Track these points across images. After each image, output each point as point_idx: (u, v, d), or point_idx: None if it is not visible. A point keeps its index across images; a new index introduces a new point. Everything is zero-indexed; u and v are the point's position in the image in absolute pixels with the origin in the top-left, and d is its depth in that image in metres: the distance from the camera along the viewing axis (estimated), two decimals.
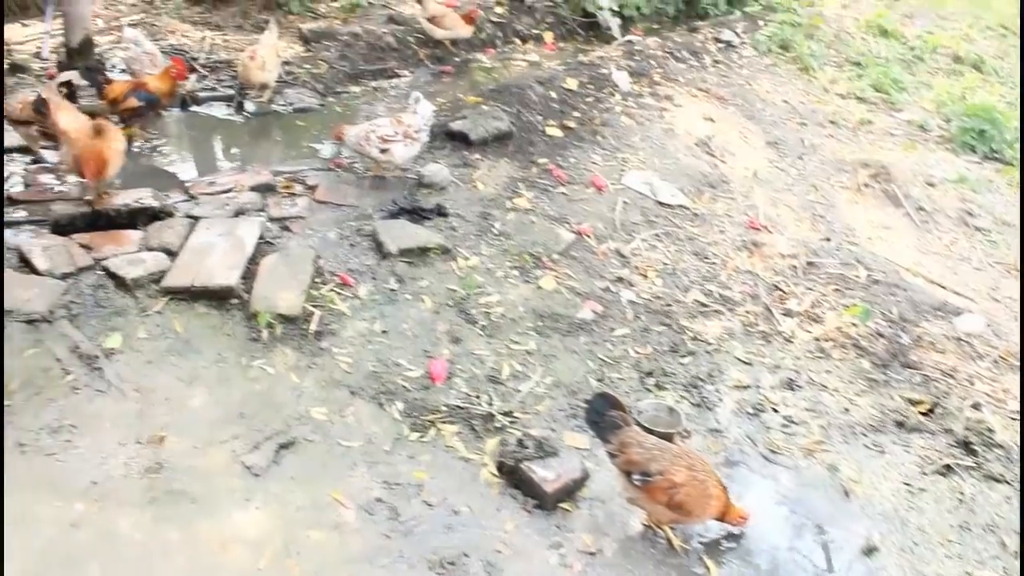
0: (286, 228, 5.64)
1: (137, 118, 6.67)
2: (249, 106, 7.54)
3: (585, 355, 5.26)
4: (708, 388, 5.25)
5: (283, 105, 7.64)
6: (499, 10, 10.28)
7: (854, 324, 6.00)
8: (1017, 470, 4.87)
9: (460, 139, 6.90)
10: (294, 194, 6.06)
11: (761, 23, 11.31)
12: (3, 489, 3.56)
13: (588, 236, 6.32)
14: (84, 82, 6.77)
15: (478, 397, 4.73)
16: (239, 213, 5.66)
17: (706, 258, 6.56)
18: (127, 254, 5.09)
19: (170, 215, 5.61)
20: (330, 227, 5.70)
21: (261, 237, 5.39)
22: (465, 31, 9.20)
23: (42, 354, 4.51)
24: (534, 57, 9.75)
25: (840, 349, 5.81)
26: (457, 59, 9.30)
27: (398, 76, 8.64)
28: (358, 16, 9.54)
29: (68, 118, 5.66)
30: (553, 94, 8.01)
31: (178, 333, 4.73)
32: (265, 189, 6.06)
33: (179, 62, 6.86)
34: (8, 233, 5.37)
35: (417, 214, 5.92)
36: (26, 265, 5.01)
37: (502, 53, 9.78)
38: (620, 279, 6.03)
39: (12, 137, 6.39)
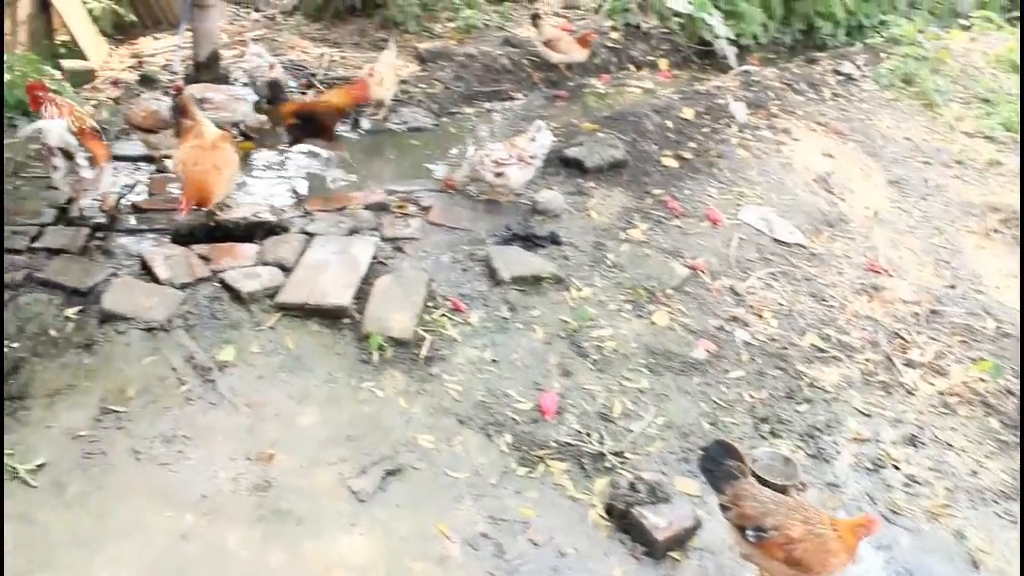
0: (399, 249, 5.62)
1: (299, 135, 6.74)
2: (365, 123, 7.60)
3: (698, 396, 5.08)
4: (825, 439, 5.01)
5: (398, 124, 7.67)
6: (614, 36, 10.18)
7: (982, 379, 5.66)
8: None
9: (575, 166, 6.81)
10: (408, 214, 6.05)
11: (883, 56, 10.92)
12: (3, 497, 3.65)
13: (702, 272, 6.13)
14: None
15: (588, 435, 4.60)
16: (353, 232, 5.66)
17: (823, 300, 6.30)
18: (243, 267, 5.14)
19: (286, 230, 5.66)
20: (443, 250, 5.66)
21: (374, 257, 5.38)
22: (580, 55, 9.13)
23: (159, 363, 4.57)
24: (648, 84, 9.61)
25: (967, 406, 5.49)
26: (571, 83, 9.23)
27: (512, 99, 8.61)
28: (474, 37, 9.56)
29: (188, 138, 5.65)
30: (669, 123, 7.85)
31: (290, 350, 4.73)
32: (379, 208, 6.06)
33: (361, 84, 6.94)
34: (131, 240, 5.50)
35: (531, 241, 5.83)
36: (148, 273, 5.10)
37: (616, 79, 9.67)
38: (734, 318, 5.83)
39: (137, 146, 6.56)
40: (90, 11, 8.49)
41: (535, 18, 9.13)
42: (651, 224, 6.48)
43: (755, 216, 6.98)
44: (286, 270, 5.15)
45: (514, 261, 5.50)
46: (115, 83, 7.81)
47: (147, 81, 7.95)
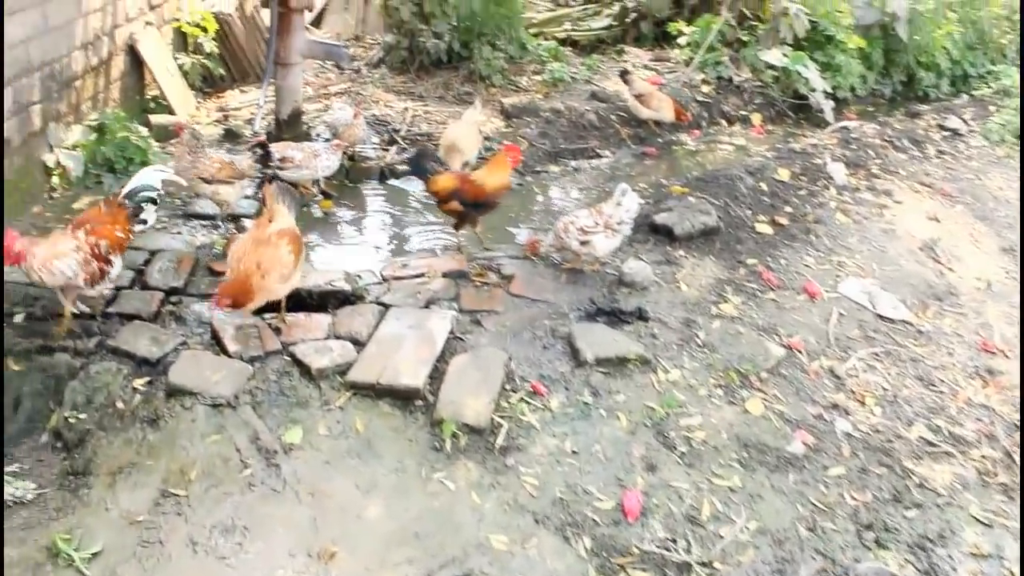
0: (477, 322, 5.37)
1: (460, 219, 6.22)
2: None
3: (794, 497, 4.65)
4: (938, 552, 4.52)
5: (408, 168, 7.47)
6: (705, 89, 9.85)
7: None
8: None
9: (664, 233, 6.49)
10: (487, 283, 5.80)
11: (992, 108, 10.35)
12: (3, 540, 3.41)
13: (799, 351, 5.71)
14: (407, 169, 6.87)
15: (675, 541, 4.22)
16: (430, 303, 5.44)
17: (932, 385, 5.79)
18: (315, 340, 4.95)
19: (361, 299, 5.47)
20: (524, 325, 5.38)
21: (451, 331, 5.14)
22: (669, 114, 8.80)
23: (223, 442, 4.39)
24: (741, 141, 9.24)
25: None
26: (660, 140, 8.92)
27: (599, 156, 8.34)
28: (560, 91, 9.34)
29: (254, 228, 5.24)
30: (763, 185, 7.48)
31: (359, 433, 4.50)
32: (458, 276, 5.84)
33: (514, 148, 6.45)
34: (204, 306, 5.36)
35: (616, 317, 5.52)
36: (217, 343, 4.95)
37: (707, 135, 9.34)
38: (834, 405, 5.38)
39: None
40: (181, 66, 8.55)
41: (625, 73, 8.88)
42: (744, 297, 6.10)
43: (856, 289, 6.53)
44: (359, 344, 4.94)
45: (598, 340, 5.19)
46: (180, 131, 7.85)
47: (231, 136, 7.93)
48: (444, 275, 5.82)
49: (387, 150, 7.76)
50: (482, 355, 4.94)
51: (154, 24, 8.29)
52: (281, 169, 6.79)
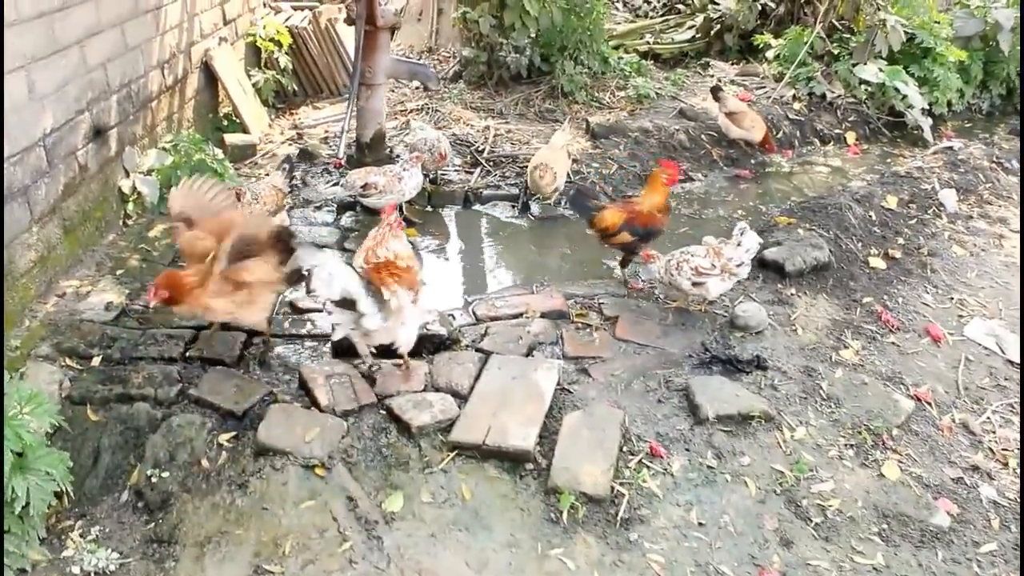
0: (584, 371, 4.95)
1: (629, 253, 5.90)
2: (535, 208, 7.01)
3: None
4: None
5: (569, 209, 7.04)
6: (796, 106, 9.33)
7: None
8: None
9: (774, 269, 6.01)
10: (589, 325, 5.38)
11: None
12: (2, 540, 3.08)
13: (929, 403, 5.20)
14: (570, 211, 6.59)
15: None
16: (532, 349, 5.02)
17: None
18: (412, 393, 4.56)
19: (456, 342, 5.07)
20: (634, 375, 4.94)
21: (558, 383, 4.71)
22: (759, 135, 8.29)
23: (319, 509, 4.01)
24: (836, 162, 8.72)
25: None
26: (752, 161, 8.42)
27: (691, 180, 7.86)
28: (646, 108, 8.88)
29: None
30: (872, 215, 6.96)
31: (465, 501, 4.09)
32: (557, 316, 5.43)
33: (671, 165, 6.05)
34: (289, 351, 5.01)
35: (732, 366, 5.05)
36: (306, 394, 4.59)
37: (800, 155, 8.83)
38: (974, 467, 4.86)
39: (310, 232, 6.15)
40: (254, 83, 8.25)
41: (717, 90, 8.39)
42: (864, 342, 5.59)
43: (981, 331, 5.99)
44: (460, 398, 4.54)
45: (718, 395, 4.72)
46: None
47: (306, 156, 7.60)
48: (543, 315, 5.41)
49: (471, 172, 7.36)
50: (595, 412, 4.50)
51: (228, 40, 8.00)
52: (364, 196, 6.44)
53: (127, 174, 6.19)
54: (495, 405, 4.45)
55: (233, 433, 4.35)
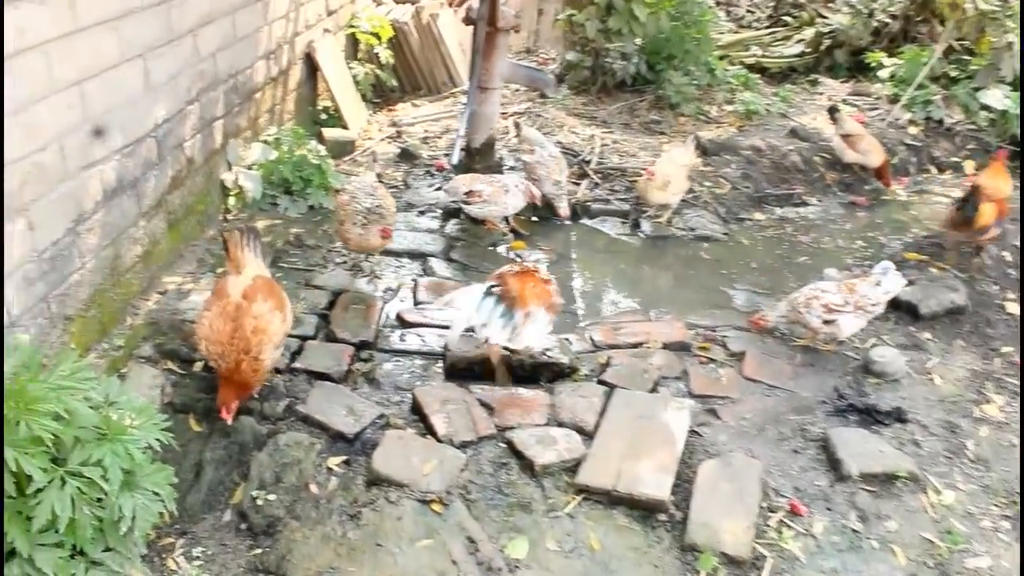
0: (713, 412, 4.59)
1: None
2: (645, 226, 6.65)
3: None
4: None
5: (682, 229, 6.68)
6: (913, 130, 8.83)
7: None
8: None
9: (906, 310, 5.59)
10: (714, 360, 5.02)
11: None
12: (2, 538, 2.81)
13: None
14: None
15: None
16: (657, 384, 4.68)
17: None
18: (535, 427, 4.24)
19: (575, 371, 4.75)
20: (767, 420, 4.58)
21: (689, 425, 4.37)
22: (876, 160, 7.83)
23: (436, 550, 3.70)
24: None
25: None
26: (867, 187, 7.97)
27: (805, 204, 7.44)
28: (755, 124, 8.46)
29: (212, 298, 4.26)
30: (1007, 255, 6.48)
31: (594, 551, 3.76)
32: (680, 348, 5.08)
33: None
34: (399, 366, 4.73)
35: (871, 416, 4.66)
36: (421, 420, 4.29)
37: (916, 183, 8.34)
38: None
39: (404, 238, 5.88)
40: (354, 76, 8.00)
41: (834, 111, 7.95)
42: (1007, 397, 5.15)
43: None
44: (585, 435, 4.21)
45: (860, 450, 4.33)
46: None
47: (407, 156, 7.33)
48: (664, 346, 5.07)
49: (577, 184, 7.02)
50: (733, 463, 4.14)
51: (331, 31, 7.76)
52: (467, 204, 6.15)
53: (229, 167, 5.96)
54: (624, 446, 4.12)
55: (343, 457, 4.07)
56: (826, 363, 5.12)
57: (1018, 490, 4.47)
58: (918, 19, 10.14)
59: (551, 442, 4.12)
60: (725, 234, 6.71)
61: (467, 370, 4.66)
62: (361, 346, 4.83)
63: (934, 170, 8.63)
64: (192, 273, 5.29)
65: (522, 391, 4.53)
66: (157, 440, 3.51)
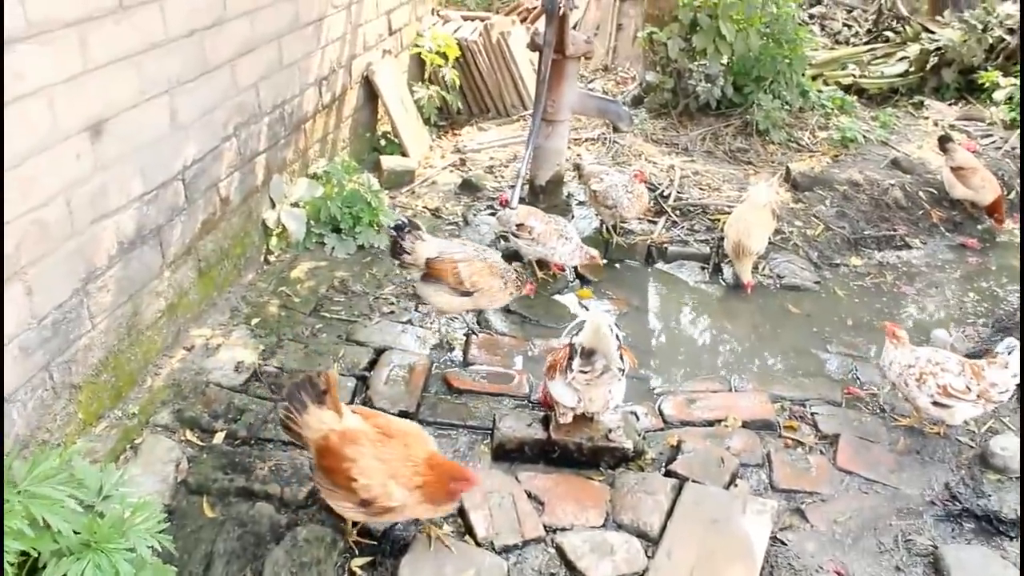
0: (799, 512, 3.94)
1: None
2: (728, 273, 5.99)
3: None
4: None
5: (768, 276, 5.99)
6: None
7: None
8: None
9: None
10: (802, 443, 4.37)
11: None
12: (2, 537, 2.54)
13: None
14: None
15: None
16: (735, 476, 4.05)
17: None
18: (590, 529, 3.67)
19: (640, 454, 4.15)
20: (863, 525, 3.89)
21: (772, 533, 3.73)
22: (990, 197, 6.99)
23: None
24: None
25: None
26: (979, 227, 7.14)
27: (908, 247, 6.66)
28: (851, 154, 7.70)
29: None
30: None
31: None
32: (762, 427, 4.44)
33: None
34: (443, 446, 4.19)
35: (991, 525, 3.95)
36: (459, 514, 3.75)
37: None
38: None
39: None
40: (417, 100, 7.53)
41: (945, 140, 7.15)
42: None
43: None
44: (647, 540, 3.62)
45: (980, 574, 3.64)
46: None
47: (469, 187, 6.81)
48: (744, 424, 4.43)
49: (654, 222, 6.39)
50: None
51: (392, 52, 7.30)
52: (516, 236, 5.58)
53: (273, 205, 5.53)
54: (692, 559, 3.51)
55: (369, 558, 3.56)
56: (934, 451, 4.40)
57: None
58: None
59: (607, 551, 3.53)
60: (817, 282, 5.99)
61: (517, 451, 4.10)
62: (400, 415, 4.31)
63: None
64: (224, 325, 4.86)
65: (578, 480, 3.95)
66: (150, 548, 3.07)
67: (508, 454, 4.11)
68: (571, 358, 3.87)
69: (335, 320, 5.08)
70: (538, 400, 4.43)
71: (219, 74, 4.70)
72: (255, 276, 5.33)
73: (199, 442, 4.04)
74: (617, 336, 3.88)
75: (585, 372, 3.85)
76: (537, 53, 5.79)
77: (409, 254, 4.72)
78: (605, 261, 6.02)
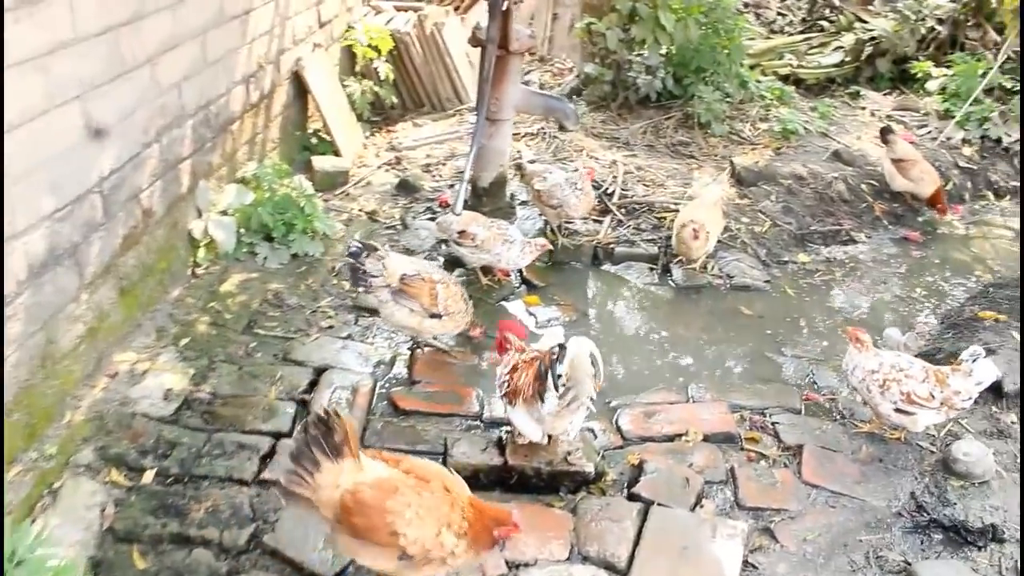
0: (768, 532, 3.79)
1: None
2: (677, 274, 5.82)
3: None
4: None
5: (718, 277, 5.85)
6: (968, 152, 7.98)
7: None
8: None
9: (989, 388, 4.75)
10: (764, 455, 4.23)
11: None
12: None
13: None
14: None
15: None
16: (700, 497, 3.88)
17: None
18: (554, 563, 3.46)
19: (601, 476, 3.96)
20: (833, 542, 3.76)
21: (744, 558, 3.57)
22: (929, 189, 6.98)
23: None
24: (1016, 223, 7.36)
25: None
26: (919, 219, 7.13)
27: (854, 241, 6.60)
28: (793, 146, 7.61)
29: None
30: None
31: None
32: (724, 440, 4.29)
33: None
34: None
35: (959, 535, 3.86)
36: None
37: (972, 211, 7.49)
38: None
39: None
40: (349, 94, 7.19)
41: (887, 132, 7.11)
42: None
43: None
44: (616, 573, 3.43)
45: None
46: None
47: (407, 188, 6.52)
48: (706, 437, 4.27)
49: (599, 222, 6.19)
50: None
51: (323, 45, 6.95)
52: (458, 244, 5.34)
53: (199, 214, 5.18)
54: None
55: None
56: (897, 458, 4.31)
57: None
58: (969, 24, 9.26)
59: None
60: (767, 281, 5.87)
61: (472, 478, 3.83)
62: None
63: (991, 196, 7.78)
64: (150, 348, 4.50)
65: (538, 508, 3.74)
66: None
67: (465, 480, 3.87)
68: (542, 388, 3.63)
69: (270, 337, 4.77)
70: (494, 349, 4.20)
71: (138, 74, 4.33)
72: (182, 291, 4.97)
73: (126, 482, 3.70)
74: (595, 363, 3.67)
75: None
76: (479, 49, 5.51)
77: (377, 277, 4.43)
78: (550, 263, 5.81)
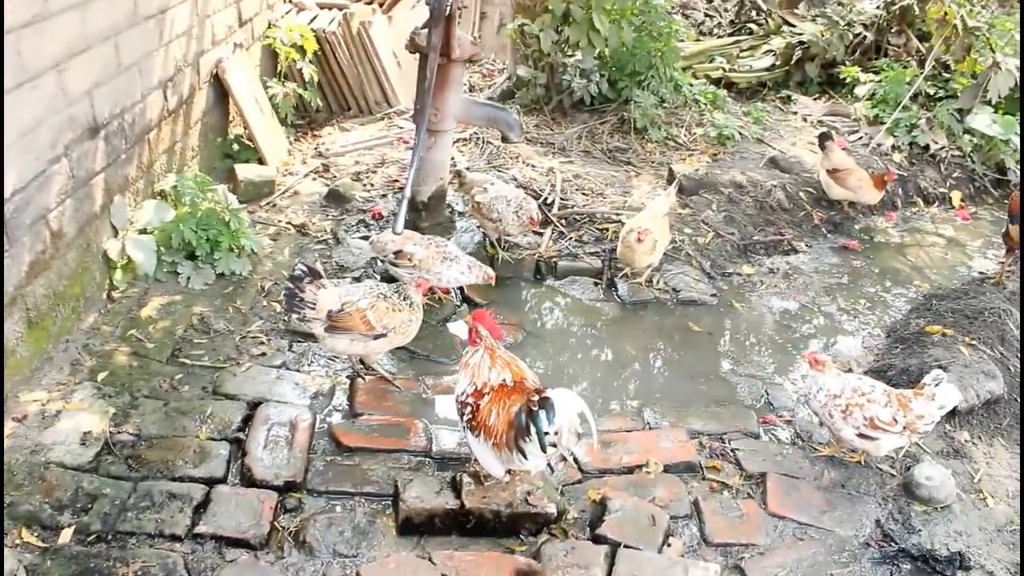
0: (739, 571, 3.62)
1: None
2: (622, 288, 5.64)
3: None
4: None
5: (664, 291, 5.68)
6: (897, 158, 8.02)
7: None
8: None
9: None
10: (727, 485, 4.07)
11: None
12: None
13: None
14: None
15: None
16: (668, 536, 3.69)
17: None
18: None
19: (563, 515, 3.74)
20: None
21: None
22: (871, 197, 7.00)
23: None
24: (948, 230, 7.44)
25: None
26: (856, 226, 7.13)
27: (795, 251, 6.53)
28: (729, 152, 7.52)
29: None
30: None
31: None
32: (686, 470, 4.12)
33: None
34: (340, 519, 3.62)
35: (928, 565, 3.77)
36: None
37: (905, 218, 7.54)
38: None
39: None
40: (271, 98, 6.79)
41: (825, 138, 7.06)
42: None
43: None
44: None
45: None
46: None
47: (336, 198, 6.18)
48: (666, 468, 4.09)
49: (540, 234, 5.96)
50: None
51: (243, 45, 6.54)
52: (394, 265, 5.06)
53: (115, 233, 4.76)
54: None
55: None
56: (859, 483, 4.20)
57: None
58: (893, 31, 9.34)
59: None
60: (714, 295, 5.73)
61: (426, 524, 3.59)
62: (286, 488, 3.72)
63: (921, 202, 7.84)
64: (63, 384, 4.08)
65: (499, 556, 3.49)
66: None
67: (415, 528, 3.60)
68: (521, 442, 3.38)
69: (198, 368, 4.40)
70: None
71: (42, 82, 3.91)
72: (98, 318, 4.56)
73: (40, 543, 3.31)
74: (586, 420, 3.42)
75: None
76: (415, 53, 5.21)
77: (312, 308, 4.12)
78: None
